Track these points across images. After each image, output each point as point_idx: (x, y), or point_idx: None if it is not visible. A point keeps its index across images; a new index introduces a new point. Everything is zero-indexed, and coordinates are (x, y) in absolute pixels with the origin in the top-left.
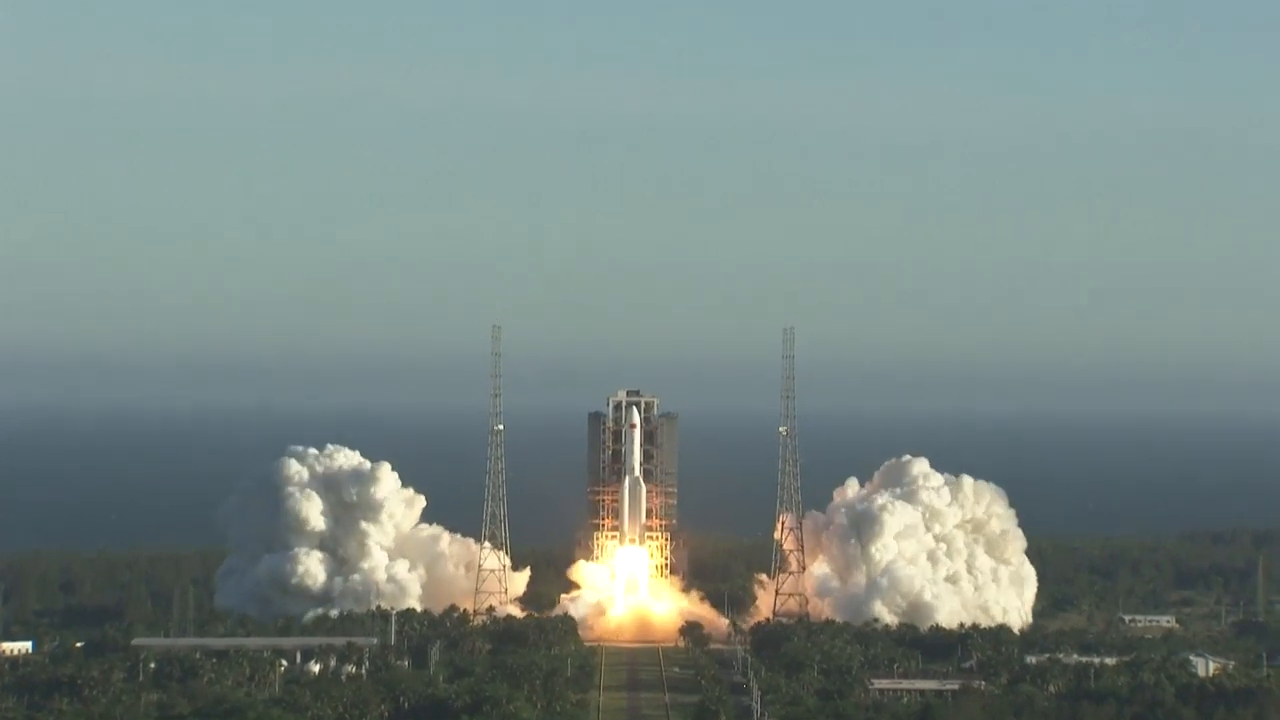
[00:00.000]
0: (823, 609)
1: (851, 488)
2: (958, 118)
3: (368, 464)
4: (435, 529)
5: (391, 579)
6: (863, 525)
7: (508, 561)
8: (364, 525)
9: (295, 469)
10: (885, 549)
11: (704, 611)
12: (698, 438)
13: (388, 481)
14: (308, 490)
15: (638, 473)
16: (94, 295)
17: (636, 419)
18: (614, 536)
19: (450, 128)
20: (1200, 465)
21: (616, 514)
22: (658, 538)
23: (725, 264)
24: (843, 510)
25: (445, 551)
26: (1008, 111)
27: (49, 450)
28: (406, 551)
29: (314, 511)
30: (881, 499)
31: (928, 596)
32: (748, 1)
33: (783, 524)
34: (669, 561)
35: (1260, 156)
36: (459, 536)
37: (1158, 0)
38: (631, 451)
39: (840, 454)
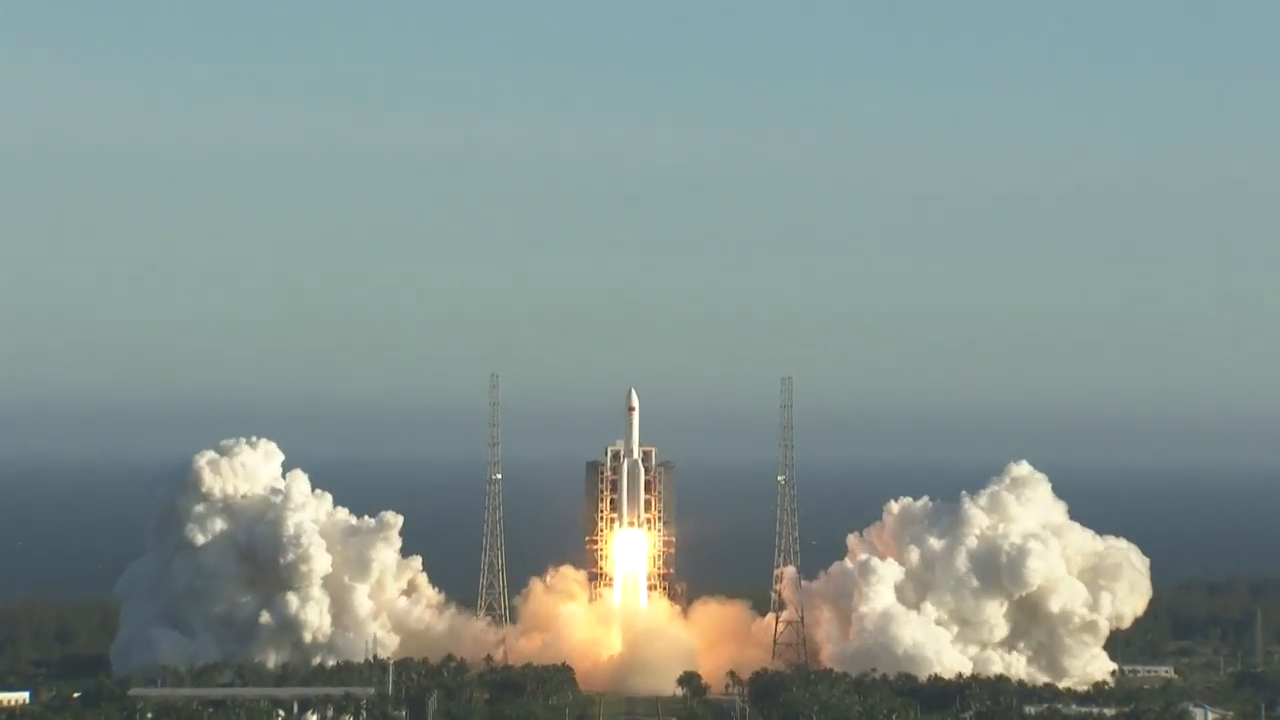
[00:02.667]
0: (824, 644)
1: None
2: (959, 168)
3: (372, 521)
4: (429, 599)
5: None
6: (857, 578)
7: (507, 629)
8: (355, 585)
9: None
10: (879, 597)
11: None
12: (696, 487)
13: (391, 544)
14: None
15: (636, 455)
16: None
17: (635, 402)
18: (610, 584)
19: (446, 176)
20: (1195, 515)
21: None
22: (656, 585)
23: (723, 313)
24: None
25: (439, 627)
26: (1010, 161)
27: (37, 499)
28: (395, 626)
29: (320, 560)
30: (873, 557)
31: (928, 652)
32: (745, 52)
33: (780, 573)
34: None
35: None
36: (453, 609)
37: (1165, 52)
38: (630, 437)
39: (839, 503)
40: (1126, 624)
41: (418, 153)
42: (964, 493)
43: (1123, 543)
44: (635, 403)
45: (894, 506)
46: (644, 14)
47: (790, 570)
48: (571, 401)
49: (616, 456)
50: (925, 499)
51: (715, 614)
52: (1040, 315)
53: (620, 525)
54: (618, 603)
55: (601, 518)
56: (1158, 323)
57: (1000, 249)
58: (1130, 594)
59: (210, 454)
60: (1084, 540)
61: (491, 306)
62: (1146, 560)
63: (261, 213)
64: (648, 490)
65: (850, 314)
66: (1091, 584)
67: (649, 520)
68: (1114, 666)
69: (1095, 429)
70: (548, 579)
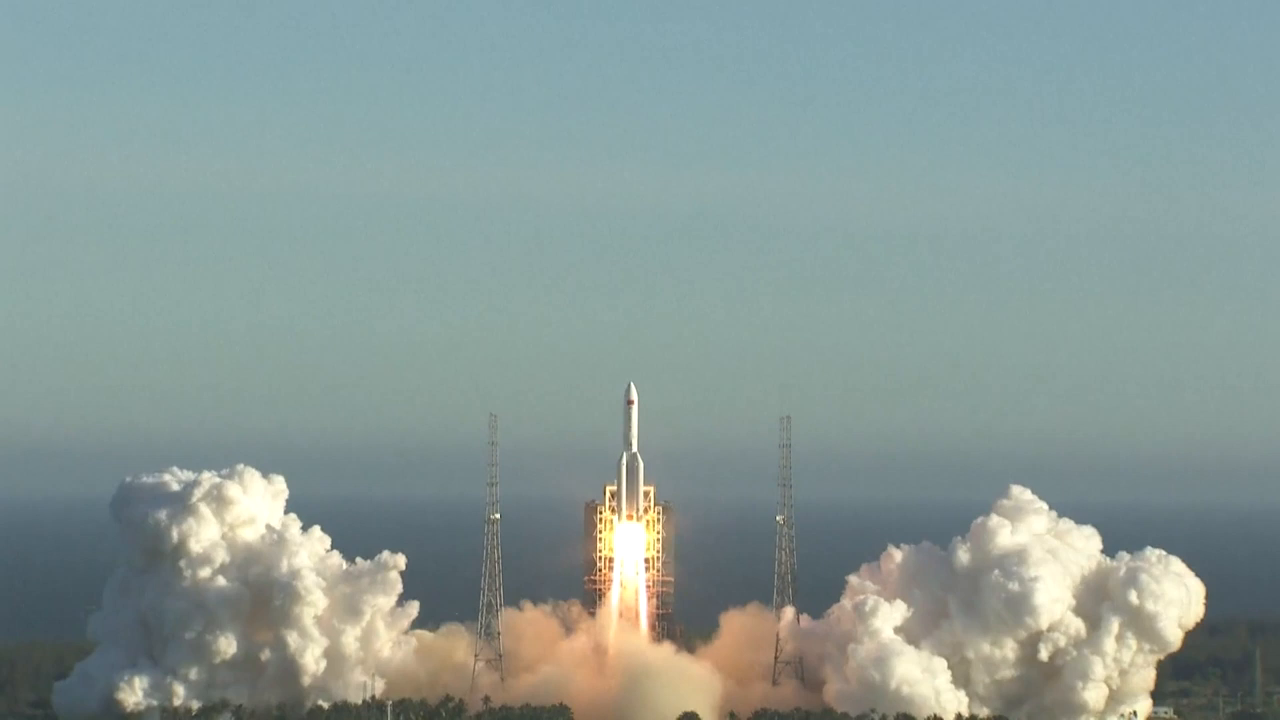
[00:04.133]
0: (826, 683)
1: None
2: (961, 207)
3: (368, 563)
4: (425, 640)
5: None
6: (856, 618)
7: (501, 671)
8: (351, 628)
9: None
10: (877, 636)
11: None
12: (694, 527)
13: (390, 586)
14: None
15: (634, 448)
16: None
17: (634, 395)
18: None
19: (445, 218)
20: (1193, 556)
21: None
22: (656, 626)
23: (721, 352)
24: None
25: (433, 665)
26: (1009, 201)
27: (36, 539)
28: (389, 666)
29: (318, 602)
30: (872, 597)
31: (925, 690)
32: (742, 91)
33: (780, 613)
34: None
35: None
36: (447, 643)
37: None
38: (630, 428)
39: (839, 542)
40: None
41: (414, 194)
42: (958, 537)
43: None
44: (634, 396)
45: (895, 553)
46: (632, 55)
47: (789, 610)
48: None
49: (615, 496)
50: (925, 543)
51: (716, 653)
52: (1042, 353)
53: (620, 519)
54: (615, 629)
55: (600, 557)
56: (1158, 360)
57: (1003, 287)
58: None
59: (213, 480)
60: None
61: (490, 347)
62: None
63: (251, 253)
64: (647, 530)
65: (850, 353)
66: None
67: (646, 561)
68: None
69: (1093, 467)
70: (545, 610)
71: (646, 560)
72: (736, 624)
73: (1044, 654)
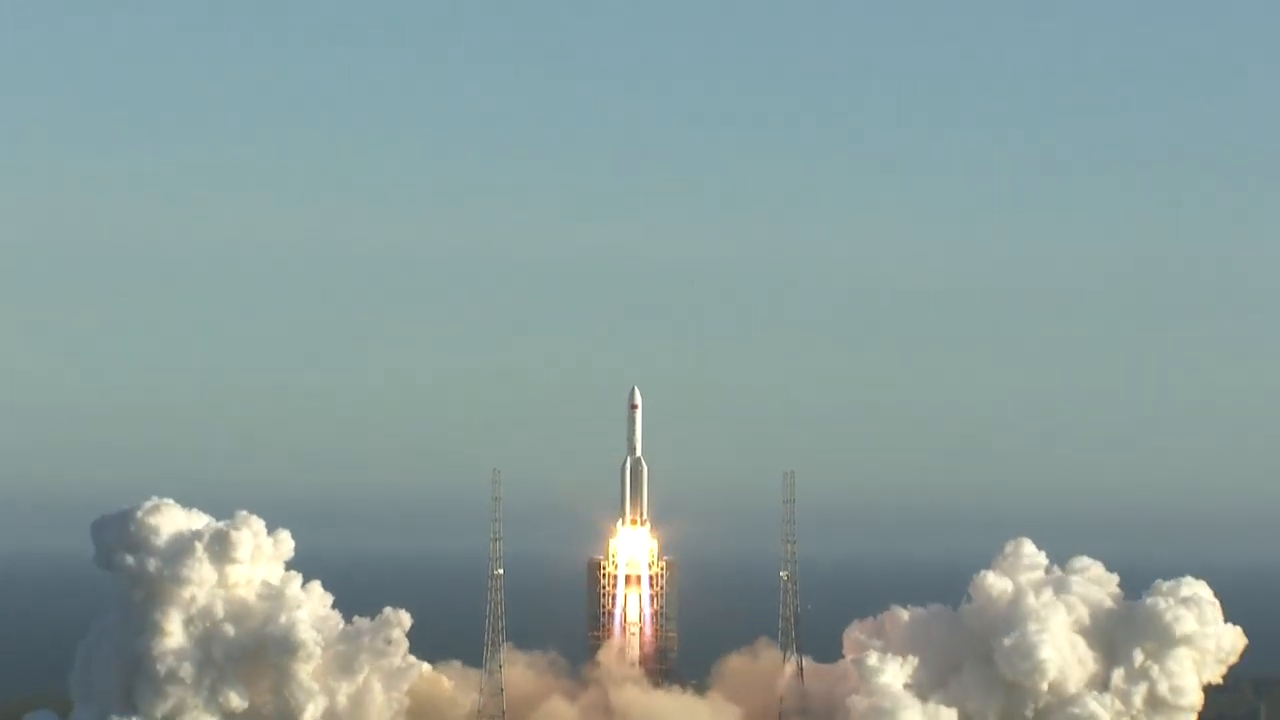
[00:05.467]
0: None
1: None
2: (963, 262)
3: (371, 621)
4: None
5: None
6: (858, 674)
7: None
8: (352, 685)
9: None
10: (878, 692)
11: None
12: (699, 583)
13: (394, 644)
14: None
15: (639, 452)
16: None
17: (638, 399)
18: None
19: (445, 271)
20: None
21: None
22: (660, 683)
23: (725, 407)
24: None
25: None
26: (1013, 254)
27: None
28: None
29: (318, 659)
30: (874, 652)
31: None
32: (743, 143)
33: (784, 669)
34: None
35: None
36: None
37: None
38: (634, 432)
39: (843, 597)
40: None
41: (418, 246)
42: (966, 595)
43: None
44: (638, 400)
45: (902, 613)
46: (637, 109)
47: (792, 666)
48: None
49: (618, 554)
50: (935, 605)
51: (723, 694)
52: (1044, 409)
53: (623, 524)
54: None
55: (604, 613)
56: (1163, 414)
57: (1007, 342)
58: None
59: (215, 527)
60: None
61: (493, 401)
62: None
63: (250, 305)
64: (651, 585)
65: (853, 407)
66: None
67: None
68: None
69: (1094, 522)
70: (547, 659)
71: (649, 615)
72: (742, 666)
73: (1045, 705)
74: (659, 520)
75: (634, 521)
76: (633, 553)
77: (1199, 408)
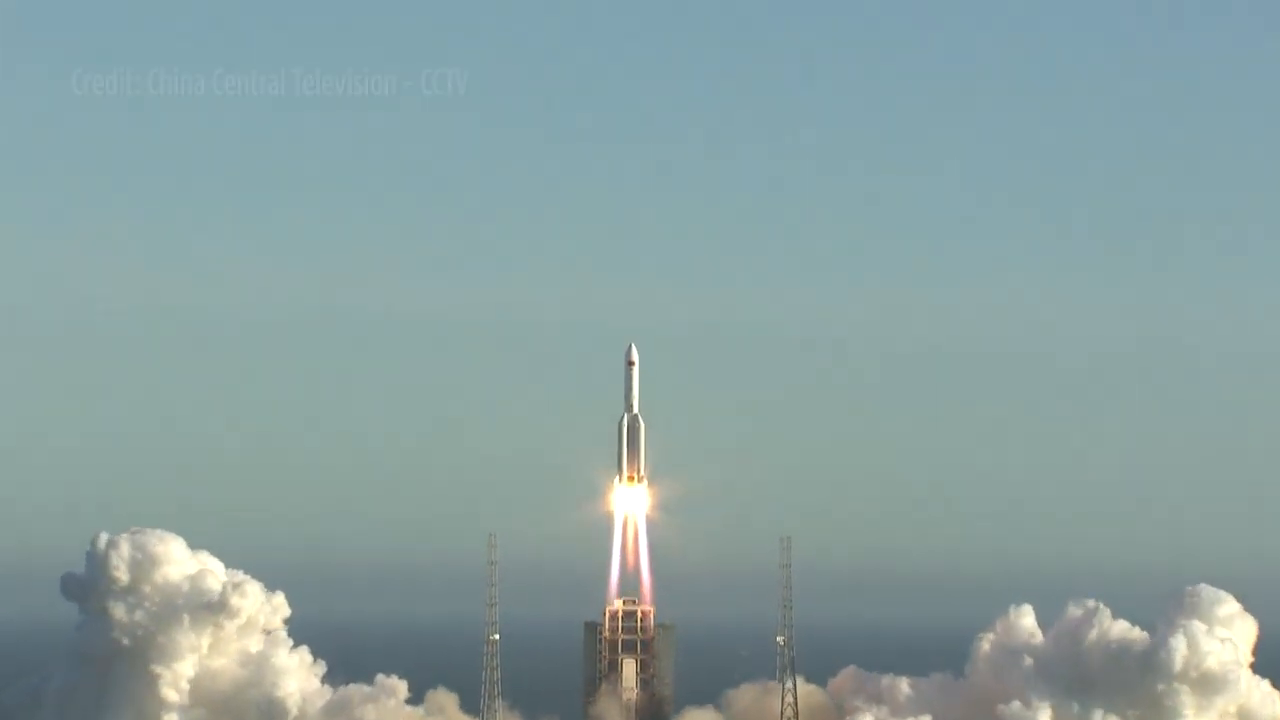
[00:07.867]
0: None
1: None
2: (961, 324)
3: (368, 688)
4: None
5: None
6: None
7: None
8: None
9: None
10: None
11: None
12: (694, 648)
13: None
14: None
15: (635, 410)
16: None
17: (635, 356)
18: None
19: (440, 334)
20: None
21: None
22: None
23: (720, 472)
24: None
25: None
26: (1011, 319)
27: None
28: None
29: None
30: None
31: None
32: (741, 209)
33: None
34: None
35: None
36: None
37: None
38: (631, 389)
39: (841, 662)
40: None
41: (413, 310)
42: (968, 664)
43: None
44: (635, 357)
45: (903, 684)
46: (632, 173)
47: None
48: (569, 563)
49: (615, 617)
50: (935, 674)
51: None
52: (1046, 474)
53: (620, 480)
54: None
55: (600, 677)
56: (1161, 482)
57: (1006, 406)
58: None
59: (212, 590)
60: None
61: (488, 466)
62: None
63: (245, 367)
64: (645, 650)
65: (851, 472)
66: None
67: (644, 681)
68: None
69: (1093, 587)
70: None
71: (644, 680)
72: (747, 698)
73: None
74: (654, 477)
75: (631, 478)
76: (630, 505)
77: (1203, 476)
